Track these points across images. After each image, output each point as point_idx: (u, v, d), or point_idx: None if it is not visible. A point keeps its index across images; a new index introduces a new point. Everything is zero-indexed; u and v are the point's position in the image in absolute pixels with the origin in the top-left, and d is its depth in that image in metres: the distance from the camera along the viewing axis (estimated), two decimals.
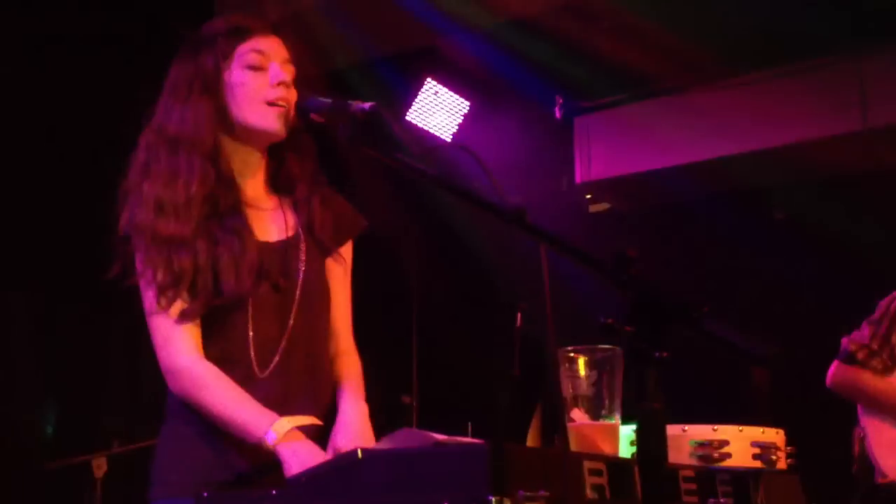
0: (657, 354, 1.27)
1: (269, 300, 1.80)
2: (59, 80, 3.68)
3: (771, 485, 1.85)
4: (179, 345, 1.75)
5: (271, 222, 1.88)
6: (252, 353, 1.78)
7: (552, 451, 1.44)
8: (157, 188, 1.76)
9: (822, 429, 3.34)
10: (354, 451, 1.35)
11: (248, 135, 1.84)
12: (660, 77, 4.52)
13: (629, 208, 5.36)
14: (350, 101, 1.84)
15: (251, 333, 1.78)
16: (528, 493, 1.27)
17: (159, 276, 1.73)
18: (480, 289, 5.06)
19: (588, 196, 5.28)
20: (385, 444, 1.45)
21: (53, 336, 3.84)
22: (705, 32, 4.05)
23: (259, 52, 1.83)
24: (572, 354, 1.73)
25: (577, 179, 5.03)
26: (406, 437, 1.42)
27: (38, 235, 3.69)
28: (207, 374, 1.74)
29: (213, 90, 1.81)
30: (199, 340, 1.77)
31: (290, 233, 1.88)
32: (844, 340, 2.95)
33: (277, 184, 1.93)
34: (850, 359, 2.91)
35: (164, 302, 1.74)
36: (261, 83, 1.81)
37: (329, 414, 1.88)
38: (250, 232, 1.82)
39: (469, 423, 3.68)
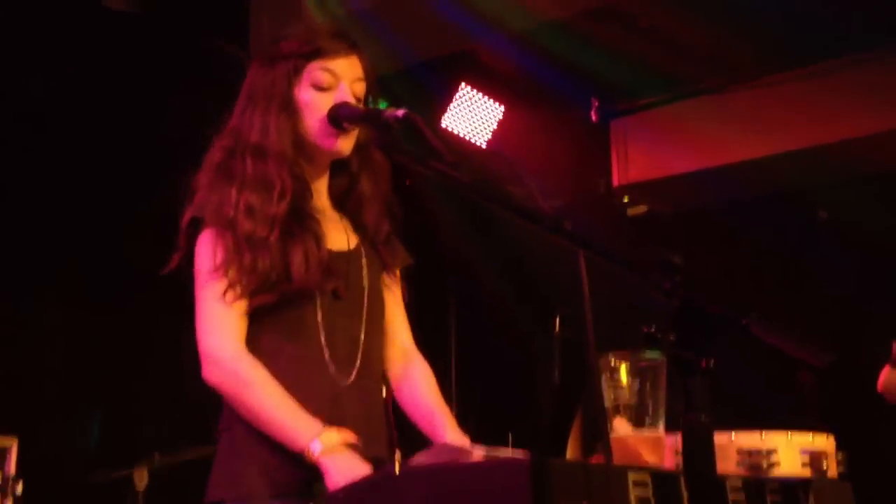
0: (703, 364, 1.23)
1: (336, 307, 1.81)
2: (90, 99, 3.70)
3: (821, 493, 1.79)
4: (230, 334, 1.75)
5: (336, 232, 1.90)
6: (327, 356, 1.78)
7: (595, 464, 1.40)
8: (249, 194, 1.78)
9: (875, 435, 3.25)
10: (392, 467, 1.33)
11: (313, 151, 1.86)
12: (697, 77, 4.45)
13: (667, 211, 5.29)
14: (382, 109, 1.84)
15: (323, 338, 1.78)
16: None
17: (236, 272, 1.74)
18: (521, 296, 5.02)
19: (626, 199, 5.22)
20: (422, 459, 1.43)
21: (94, 347, 3.87)
22: (744, 30, 3.97)
23: (328, 70, 1.85)
24: (614, 362, 1.69)
25: (615, 182, 4.97)
26: (443, 452, 1.40)
27: (74, 244, 3.72)
28: (254, 371, 1.73)
29: (288, 105, 1.84)
30: (245, 338, 1.76)
31: (353, 246, 1.90)
32: (895, 345, 2.89)
33: (343, 199, 1.95)
34: None
35: (230, 296, 1.74)
36: (326, 103, 1.83)
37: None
38: (322, 236, 1.84)
39: (510, 433, 3.63)
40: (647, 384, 1.67)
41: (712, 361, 1.23)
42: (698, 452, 1.21)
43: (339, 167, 1.93)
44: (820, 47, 4.11)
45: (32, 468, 3.07)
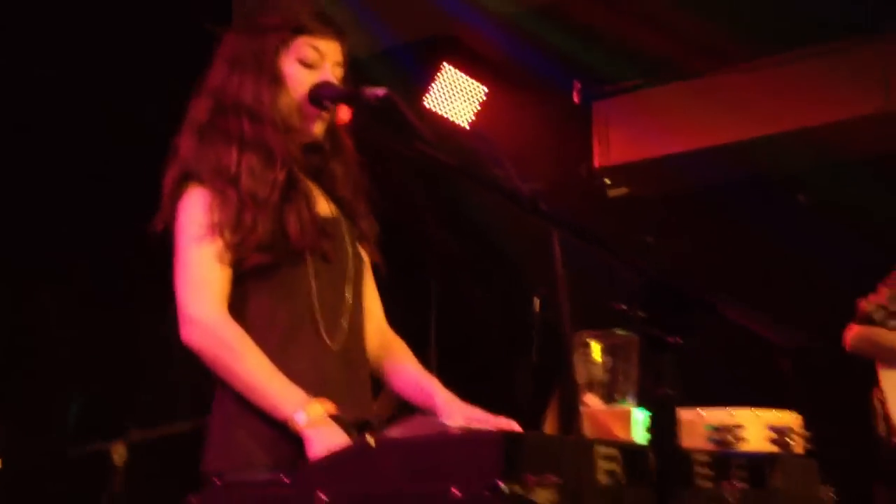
0: (671, 340, 1.27)
1: (325, 270, 1.83)
2: (86, 82, 3.69)
3: (787, 469, 1.84)
4: (216, 297, 1.73)
5: (319, 198, 1.91)
6: (318, 319, 1.78)
7: (564, 438, 1.43)
8: (251, 156, 1.78)
9: (842, 414, 3.33)
10: (368, 440, 1.36)
11: (288, 126, 1.86)
12: (680, 60, 4.47)
13: (648, 193, 5.32)
14: (363, 88, 1.86)
15: (315, 300, 1.78)
16: (539, 479, 1.27)
17: (233, 231, 1.73)
18: (500, 275, 5.05)
19: (607, 181, 5.25)
20: (398, 432, 1.46)
21: (81, 326, 3.88)
22: (725, 14, 4.00)
23: (315, 48, 1.87)
24: (587, 340, 1.73)
25: (596, 164, 5.00)
26: (419, 425, 1.43)
27: (58, 222, 3.72)
28: (241, 338, 1.71)
29: (275, 76, 1.85)
30: (227, 302, 1.75)
31: (334, 213, 1.92)
32: (861, 303, 3.00)
33: (315, 177, 1.95)
34: (867, 319, 2.97)
35: (227, 256, 1.73)
36: (308, 80, 1.85)
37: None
38: (313, 200, 1.86)
39: (489, 410, 3.69)
40: (619, 361, 1.71)
41: (679, 339, 1.26)
42: (664, 427, 1.25)
43: (311, 148, 1.94)
44: (801, 32, 4.15)
45: (12, 445, 3.08)
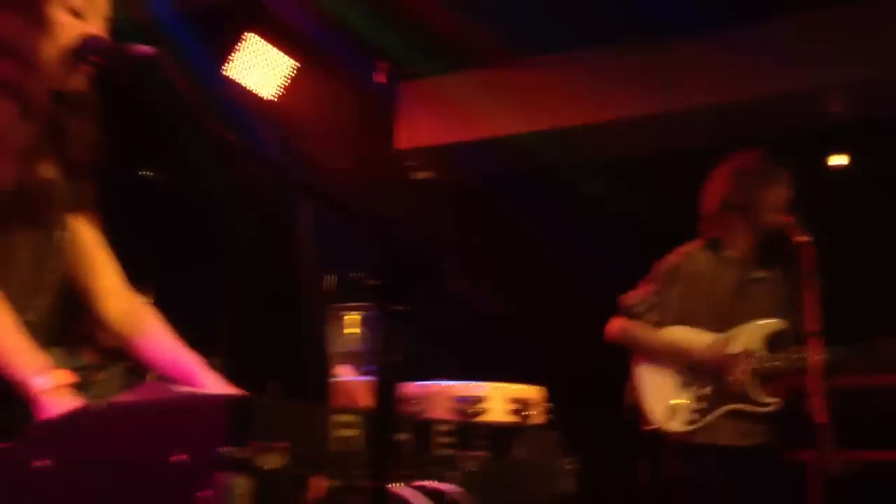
0: (399, 309, 1.32)
1: (36, 236, 1.75)
2: None
3: (528, 439, 1.95)
4: None
5: (46, 159, 1.81)
6: (26, 283, 1.71)
7: (298, 404, 1.46)
8: (6, 102, 1.69)
9: (587, 388, 3.57)
10: (90, 404, 1.33)
11: (48, 74, 1.77)
12: (476, 50, 4.59)
13: (452, 178, 5.44)
14: (131, 45, 1.80)
15: (26, 267, 1.72)
16: (266, 445, 1.29)
17: None
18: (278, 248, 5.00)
19: (410, 164, 5.33)
20: (129, 397, 1.43)
21: None
22: (520, 9, 4.15)
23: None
24: (341, 312, 1.76)
25: (398, 146, 5.06)
26: (150, 390, 1.41)
27: None
28: None
29: (42, 20, 1.75)
30: None
31: (55, 175, 1.83)
32: (623, 297, 3.18)
33: (48, 133, 1.85)
34: (628, 312, 3.15)
35: None
36: (74, 30, 1.77)
37: None
38: (37, 159, 1.77)
39: (277, 381, 3.68)
40: (370, 332, 1.76)
41: (407, 308, 1.31)
42: (387, 391, 1.30)
43: (60, 99, 1.86)
44: (589, 32, 4.36)
45: None
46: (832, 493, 2.80)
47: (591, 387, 3.67)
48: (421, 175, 5.55)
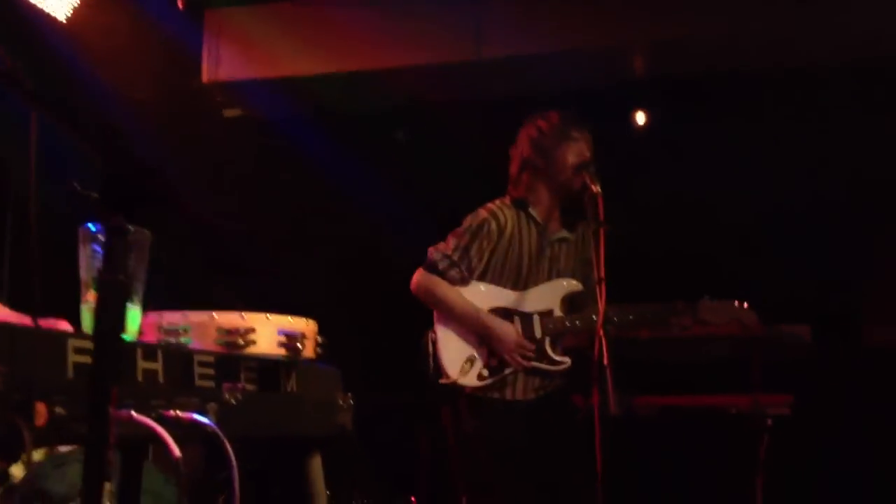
0: (123, 226, 1.23)
1: None
2: None
3: (303, 373, 1.90)
4: None
5: None
6: None
7: (26, 328, 1.35)
8: None
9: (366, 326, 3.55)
10: None
11: None
12: None
13: (262, 116, 5.25)
14: None
15: None
16: None
17: None
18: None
19: (218, 99, 5.09)
20: None
21: None
22: None
23: None
24: (85, 234, 1.63)
25: (204, 79, 4.81)
26: None
27: None
28: None
29: None
30: None
31: None
32: (430, 250, 3.13)
33: None
34: (432, 267, 3.11)
35: None
36: None
37: None
38: None
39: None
40: (132, 259, 1.64)
41: (131, 226, 1.23)
42: (112, 311, 1.21)
43: None
44: None
45: None
46: (616, 434, 2.90)
47: (379, 326, 3.66)
48: (229, 112, 5.32)
